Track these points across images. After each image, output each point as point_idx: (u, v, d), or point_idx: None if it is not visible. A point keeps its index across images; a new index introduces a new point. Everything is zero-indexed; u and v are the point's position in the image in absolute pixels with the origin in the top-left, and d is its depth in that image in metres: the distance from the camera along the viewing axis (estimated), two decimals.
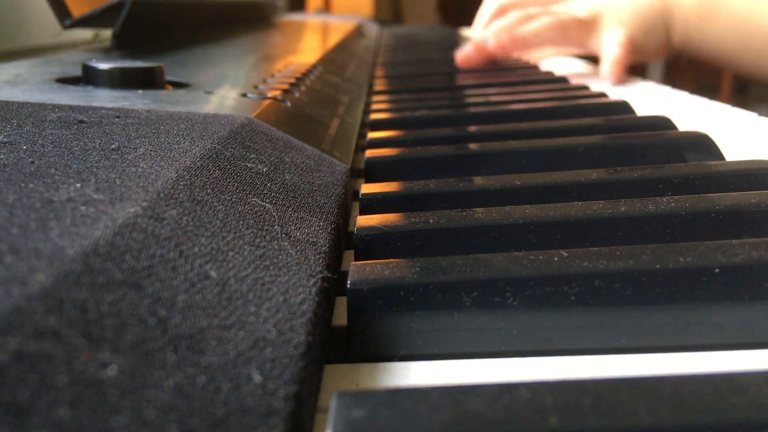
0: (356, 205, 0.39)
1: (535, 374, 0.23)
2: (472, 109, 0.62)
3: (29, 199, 0.21)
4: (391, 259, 0.26)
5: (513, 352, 0.24)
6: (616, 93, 0.64)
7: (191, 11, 0.92)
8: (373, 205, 0.36)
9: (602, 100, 0.60)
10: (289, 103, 0.47)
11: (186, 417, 0.15)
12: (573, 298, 0.24)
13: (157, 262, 0.19)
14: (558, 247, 0.29)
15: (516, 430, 0.16)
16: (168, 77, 0.49)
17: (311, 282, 0.23)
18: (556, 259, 0.25)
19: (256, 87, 0.50)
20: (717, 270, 0.24)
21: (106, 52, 0.64)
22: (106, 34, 0.77)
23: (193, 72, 0.55)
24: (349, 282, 0.24)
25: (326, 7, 2.86)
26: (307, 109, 0.49)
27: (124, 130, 0.31)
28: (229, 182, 0.28)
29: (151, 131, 0.32)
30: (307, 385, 0.19)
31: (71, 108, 0.35)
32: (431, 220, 0.31)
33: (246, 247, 0.23)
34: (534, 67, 0.88)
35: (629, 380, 0.17)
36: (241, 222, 0.25)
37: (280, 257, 0.24)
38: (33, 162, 0.25)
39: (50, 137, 0.29)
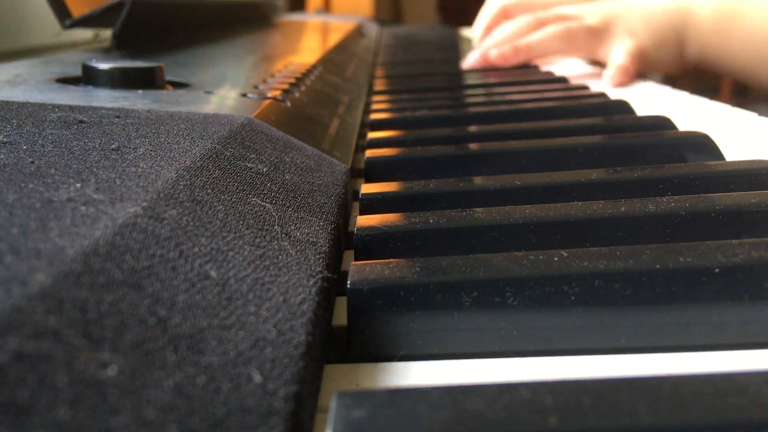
0: (356, 205, 0.39)
1: (535, 374, 0.23)
2: (472, 109, 0.62)
3: (29, 199, 0.21)
4: (391, 259, 0.26)
5: (513, 352, 0.24)
6: (616, 93, 0.64)
7: (191, 11, 0.92)
8: (373, 205, 0.36)
9: (602, 100, 0.60)
10: (289, 103, 0.47)
11: (186, 417, 0.15)
12: (573, 298, 0.24)
13: (157, 262, 0.19)
14: (558, 247, 0.29)
15: (516, 430, 0.16)
16: (168, 77, 0.49)
17: (311, 282, 0.23)
18: (556, 259, 0.25)
19: (256, 87, 0.50)
20: (717, 270, 0.24)
21: (106, 52, 0.64)
22: (106, 34, 0.77)
23: (193, 72, 0.55)
24: (349, 282, 0.24)
25: (326, 7, 2.86)
26: (307, 109, 0.49)
27: (124, 130, 0.31)
28: (229, 182, 0.28)
29: (151, 131, 0.32)
30: (307, 385, 0.19)
31: (71, 108, 0.35)
32: (431, 220, 0.31)
33: (246, 247, 0.23)
34: (534, 67, 0.88)
35: (629, 380, 0.17)
36: (241, 222, 0.25)
37: (280, 257, 0.24)
38: (33, 162, 0.25)
39: (50, 137, 0.29)
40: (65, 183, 0.23)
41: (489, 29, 1.13)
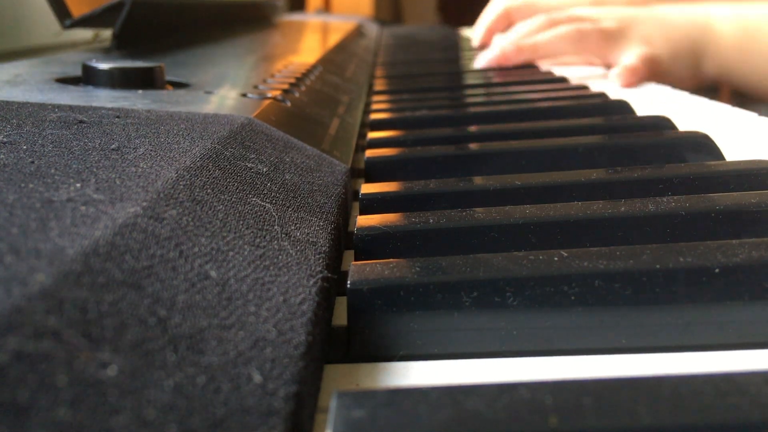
0: (356, 205, 0.39)
1: (535, 374, 0.23)
2: (472, 109, 0.62)
3: (29, 199, 0.21)
4: (391, 259, 0.26)
5: (513, 352, 0.24)
6: (616, 93, 0.64)
7: (191, 11, 0.92)
8: (373, 205, 0.36)
9: (602, 100, 0.60)
10: (289, 103, 0.47)
11: (186, 417, 0.15)
12: (573, 298, 0.24)
13: (157, 262, 0.19)
14: (558, 247, 0.29)
15: (516, 430, 0.16)
16: (168, 77, 0.49)
17: (311, 282, 0.23)
18: (556, 259, 0.25)
19: (256, 87, 0.50)
20: (717, 270, 0.24)
21: (106, 52, 0.64)
22: (106, 34, 0.77)
23: (193, 72, 0.55)
24: (349, 282, 0.24)
25: (326, 7, 2.86)
26: (307, 109, 0.49)
27: (124, 130, 0.31)
28: (229, 182, 0.28)
29: (151, 131, 0.32)
30: (307, 385, 0.19)
31: (71, 108, 0.35)
32: (431, 220, 0.31)
33: (246, 247, 0.23)
34: (534, 67, 0.88)
35: (629, 380, 0.17)
36: (241, 222, 0.25)
37: (280, 257, 0.24)
38: (33, 162, 0.25)
39: (50, 137, 0.29)
40: (65, 183, 0.23)
41: (491, 31, 1.13)
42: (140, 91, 0.43)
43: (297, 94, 0.51)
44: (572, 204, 0.32)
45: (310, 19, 1.84)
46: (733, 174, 0.36)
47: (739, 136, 0.47)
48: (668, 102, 0.63)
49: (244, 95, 0.46)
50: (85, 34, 0.78)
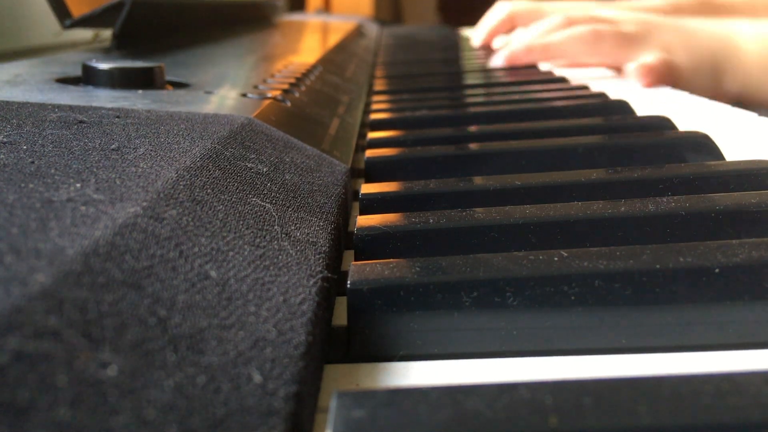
0: (356, 205, 0.39)
1: (535, 374, 0.23)
2: (472, 109, 0.62)
3: (29, 199, 0.21)
4: (391, 259, 0.26)
5: (513, 352, 0.24)
6: (616, 93, 0.64)
7: (191, 11, 0.92)
8: (373, 205, 0.36)
9: (602, 100, 0.60)
10: (289, 103, 0.47)
11: (186, 417, 0.15)
12: (573, 298, 0.24)
13: (157, 262, 0.19)
14: (558, 247, 0.29)
15: (516, 430, 0.16)
16: (168, 77, 0.49)
17: (311, 282, 0.23)
18: (556, 259, 0.25)
19: (256, 87, 0.50)
20: (717, 270, 0.24)
21: (106, 52, 0.64)
22: (106, 34, 0.77)
23: (193, 72, 0.55)
24: (349, 282, 0.24)
25: (326, 7, 2.86)
26: (307, 109, 0.49)
27: (124, 130, 0.31)
28: (229, 182, 0.28)
29: (151, 131, 0.32)
30: (307, 385, 0.19)
31: (71, 108, 0.35)
32: (431, 220, 0.31)
33: (246, 247, 0.23)
34: (534, 67, 0.87)
35: (629, 380, 0.17)
36: (241, 222, 0.25)
37: (280, 257, 0.24)
38: (33, 162, 0.25)
39: (50, 137, 0.29)
40: (65, 183, 0.23)
41: (493, 34, 1.13)
42: (140, 91, 0.43)
43: (297, 94, 0.51)
44: (572, 204, 0.32)
45: (310, 19, 1.84)
46: (733, 174, 0.36)
47: (739, 136, 0.47)
48: (668, 102, 0.63)
49: (244, 95, 0.46)
50: (85, 34, 0.78)
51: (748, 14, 0.97)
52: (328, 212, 0.31)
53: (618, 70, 0.82)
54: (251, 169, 0.31)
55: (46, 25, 0.69)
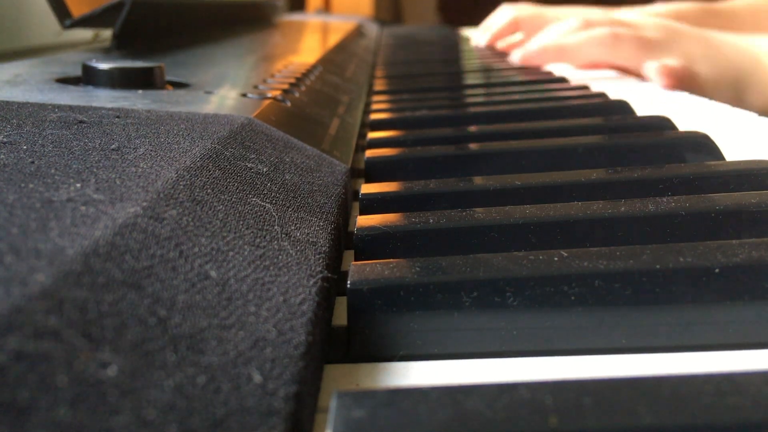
0: (356, 205, 0.39)
1: (535, 374, 0.23)
2: (472, 109, 0.62)
3: (29, 199, 0.21)
4: (391, 259, 0.26)
5: (513, 352, 0.24)
6: (616, 93, 0.64)
7: (191, 11, 0.92)
8: (373, 205, 0.36)
9: (602, 100, 0.60)
10: (289, 103, 0.47)
11: (186, 417, 0.15)
12: (573, 298, 0.24)
13: (157, 262, 0.19)
14: (558, 247, 0.29)
15: (516, 430, 0.16)
16: (168, 77, 0.49)
17: (311, 282, 0.23)
18: (556, 259, 0.25)
19: (256, 87, 0.50)
20: (717, 270, 0.24)
21: (106, 52, 0.64)
22: (106, 34, 0.77)
23: (193, 72, 0.55)
24: (349, 282, 0.24)
25: (326, 7, 2.86)
26: (307, 109, 0.49)
27: (124, 130, 0.31)
28: (229, 182, 0.28)
29: (151, 131, 0.32)
30: (307, 385, 0.19)
31: (71, 108, 0.35)
32: (431, 220, 0.31)
33: (246, 247, 0.23)
34: (534, 68, 0.87)
35: (629, 380, 0.17)
36: (241, 222, 0.25)
37: (280, 257, 0.24)
38: (33, 162, 0.25)
39: (50, 137, 0.29)
40: (65, 183, 0.23)
41: (497, 38, 1.12)
42: (140, 91, 0.43)
43: (297, 94, 0.51)
44: (572, 204, 0.32)
45: (310, 19, 1.84)
46: (733, 174, 0.36)
47: (739, 136, 0.47)
48: (668, 102, 0.63)
49: (244, 95, 0.46)
50: (85, 34, 0.78)
51: (750, 21, 0.97)
52: (328, 212, 0.31)
53: (636, 75, 0.79)
54: (251, 169, 0.31)
55: (46, 25, 0.69)
